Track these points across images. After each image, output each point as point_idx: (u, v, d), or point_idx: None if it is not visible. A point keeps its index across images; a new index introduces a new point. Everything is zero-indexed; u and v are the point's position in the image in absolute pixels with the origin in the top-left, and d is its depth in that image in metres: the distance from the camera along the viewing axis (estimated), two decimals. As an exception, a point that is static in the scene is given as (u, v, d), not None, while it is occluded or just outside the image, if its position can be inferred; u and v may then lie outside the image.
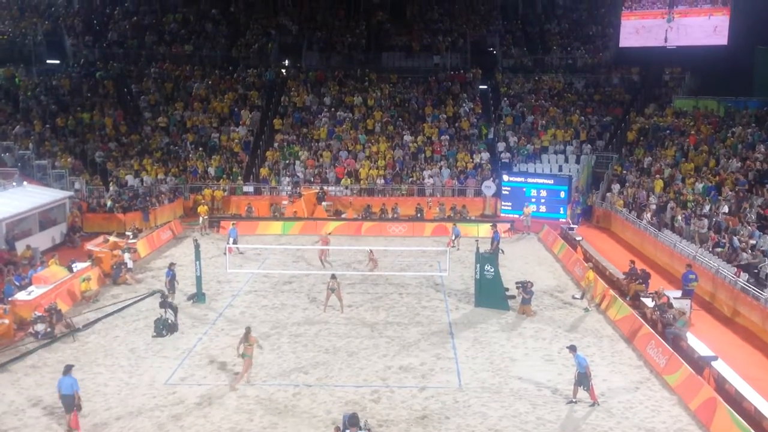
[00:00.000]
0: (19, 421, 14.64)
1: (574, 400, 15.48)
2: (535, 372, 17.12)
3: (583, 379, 15.37)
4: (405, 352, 18.48)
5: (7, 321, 19.63)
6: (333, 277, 21.84)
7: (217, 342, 19.20)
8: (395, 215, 35.68)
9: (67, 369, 14.68)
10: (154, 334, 19.74)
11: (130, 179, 38.29)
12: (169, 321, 20.07)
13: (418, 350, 18.61)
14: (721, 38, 40.71)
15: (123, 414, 14.90)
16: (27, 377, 16.98)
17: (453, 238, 30.58)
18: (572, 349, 15.98)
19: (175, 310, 20.77)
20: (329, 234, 30.18)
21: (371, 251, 26.72)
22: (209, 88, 46.38)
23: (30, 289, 22.09)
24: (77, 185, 36.46)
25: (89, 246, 27.37)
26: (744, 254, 22.86)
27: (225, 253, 25.69)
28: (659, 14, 42.90)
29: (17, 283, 22.65)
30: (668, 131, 38.52)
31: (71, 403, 14.22)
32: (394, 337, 19.64)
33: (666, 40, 42.41)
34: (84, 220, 33.07)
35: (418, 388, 16.17)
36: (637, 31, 43.61)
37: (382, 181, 39.36)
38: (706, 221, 26.81)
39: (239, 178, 39.79)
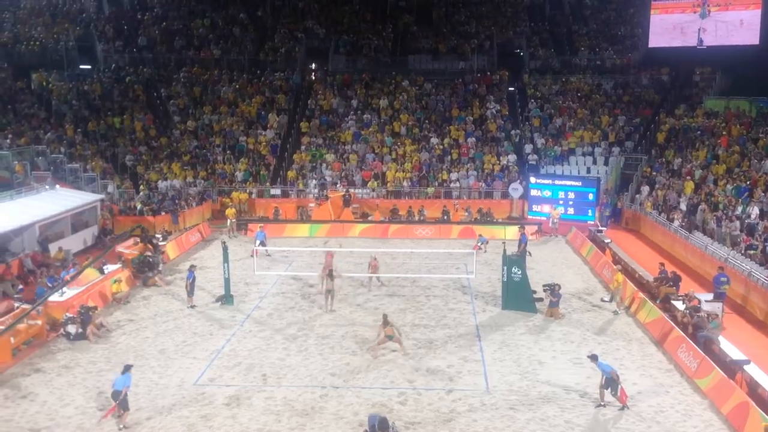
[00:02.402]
0: (51, 420, 14.87)
1: (602, 403, 15.34)
2: (563, 375, 16.98)
3: (610, 383, 15.21)
4: (432, 354, 18.44)
5: (39, 322, 19.96)
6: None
7: (245, 344, 19.34)
8: (422, 218, 35.65)
9: (126, 368, 14.99)
10: (134, 270, 20.46)
11: (160, 182, 38.77)
12: (150, 259, 20.28)
13: (445, 352, 18.57)
14: (753, 37, 40.11)
15: (153, 414, 15.08)
16: (59, 377, 17.25)
17: (479, 243, 30.36)
18: (593, 358, 15.78)
19: (156, 247, 21.15)
20: (332, 248, 28.69)
21: (374, 258, 25.17)
22: (237, 92, 46.82)
23: (62, 290, 22.44)
24: (109, 188, 37.02)
25: (120, 248, 27.74)
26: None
27: (252, 256, 25.84)
28: (689, 6, 42.16)
29: (50, 285, 23.04)
30: (699, 132, 38.00)
31: (115, 396, 14.55)
32: (421, 339, 19.61)
33: (700, 42, 41.73)
34: (115, 223, 33.55)
35: (445, 391, 16.14)
36: (667, 31, 43.04)
37: (409, 183, 39.35)
38: (738, 223, 26.41)
39: (267, 181, 40.07)
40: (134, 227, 24.38)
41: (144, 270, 21.91)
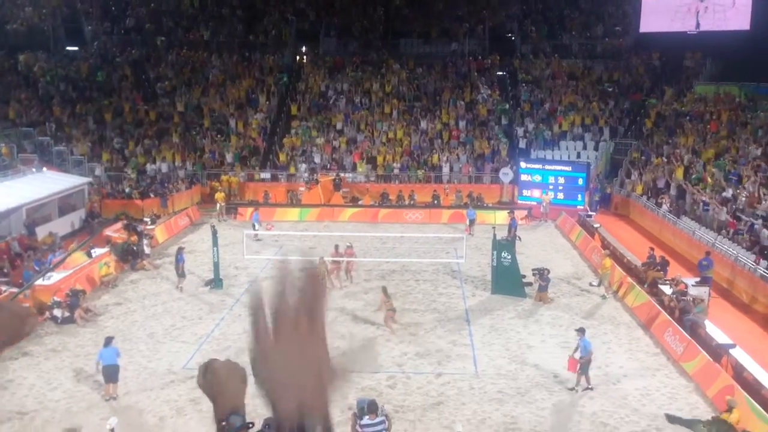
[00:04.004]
0: (39, 404, 14.85)
1: (588, 386, 15.42)
2: (552, 359, 17.07)
3: (585, 364, 15.28)
4: (421, 338, 18.51)
5: (27, 305, 19.86)
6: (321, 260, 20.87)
7: (235, 328, 19.32)
8: (412, 202, 35.63)
9: (108, 341, 15.11)
10: (116, 257, 20.56)
11: (148, 165, 38.53)
12: (134, 246, 20.38)
13: (435, 336, 18.64)
14: (744, 22, 40.10)
15: (142, 398, 15.07)
16: (47, 361, 17.21)
17: (468, 223, 30.35)
18: (581, 331, 15.84)
19: (140, 235, 21.22)
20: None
21: (349, 245, 24.22)
22: (226, 74, 46.46)
23: (50, 274, 22.35)
24: (96, 171, 36.76)
25: (108, 231, 27.60)
26: (765, 231, 22.65)
27: (256, 239, 26.40)
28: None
29: (37, 268, 22.92)
30: (688, 117, 38.08)
31: (112, 372, 14.58)
32: (410, 323, 19.67)
33: (698, 25, 41.47)
34: (103, 206, 33.33)
35: (434, 375, 16.22)
36: (664, 13, 42.70)
37: (399, 167, 39.28)
38: (725, 208, 26.54)
39: (256, 166, 39.87)
40: (118, 214, 24.34)
41: (127, 258, 22.02)
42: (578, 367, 15.41)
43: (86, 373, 16.33)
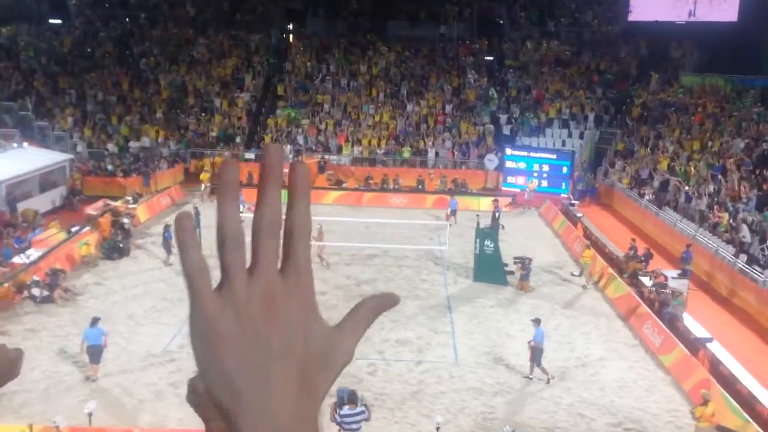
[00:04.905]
0: (17, 385, 14.71)
1: (541, 377, 15.52)
2: (531, 348, 17.17)
3: (538, 354, 15.40)
4: (402, 325, 18.55)
5: (6, 284, 19.68)
6: None
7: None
8: (396, 186, 35.58)
9: (95, 321, 15.15)
10: (102, 256, 20.45)
11: (131, 143, 38.14)
12: (120, 244, 20.38)
13: (416, 324, 18.69)
14: (732, 14, 40.18)
15: (121, 380, 15.02)
16: (26, 341, 17.05)
17: (449, 211, 30.19)
18: (537, 322, 15.89)
19: (127, 233, 21.10)
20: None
21: (319, 226, 23.69)
22: (212, 52, 45.94)
23: (29, 252, 22.13)
24: (78, 148, 36.33)
25: (89, 210, 27.34)
26: (743, 226, 22.87)
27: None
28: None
29: (17, 246, 22.69)
30: (674, 108, 38.23)
31: (95, 352, 14.56)
32: (391, 310, 19.59)
33: (692, 13, 41.35)
34: (84, 183, 32.99)
35: (414, 362, 16.28)
36: (654, 1, 42.53)
37: (384, 150, 39.16)
38: (706, 199, 26.75)
39: (241, 146, 39.57)
40: (105, 210, 24.27)
41: (113, 256, 22.19)
42: (530, 356, 15.57)
43: (65, 354, 16.25)
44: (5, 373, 1.11)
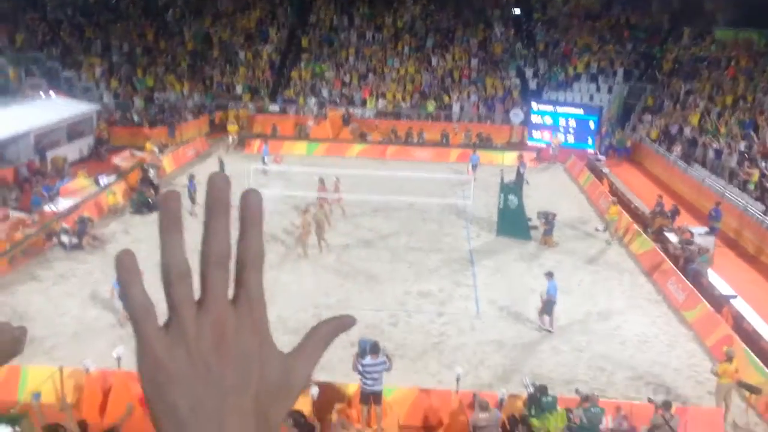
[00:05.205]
0: (47, 329, 15.12)
1: (549, 328, 15.58)
2: (553, 302, 17.18)
3: (550, 307, 15.41)
4: (425, 278, 18.64)
5: (35, 231, 20.04)
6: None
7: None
8: (420, 140, 35.38)
9: None
10: (132, 210, 20.72)
11: (156, 94, 38.25)
12: (149, 199, 20.62)
13: (438, 276, 18.77)
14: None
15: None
16: (56, 286, 17.47)
17: (470, 166, 29.77)
18: (550, 275, 15.84)
19: (156, 189, 21.28)
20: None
21: (337, 179, 24.12)
22: (236, 4, 45.56)
23: (58, 200, 22.49)
24: (105, 98, 36.52)
25: (116, 160, 27.61)
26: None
27: (264, 167, 28.28)
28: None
29: (45, 194, 23.04)
30: (706, 63, 37.32)
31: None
32: (414, 262, 19.78)
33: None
34: (111, 133, 33.26)
35: (436, 314, 16.40)
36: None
37: (408, 104, 38.86)
38: (736, 156, 26.28)
39: (266, 97, 39.48)
40: (135, 164, 24.48)
41: (143, 210, 22.47)
42: (541, 307, 15.63)
43: (94, 300, 16.60)
44: (9, 351, 1.15)
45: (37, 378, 12.40)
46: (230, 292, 0.77)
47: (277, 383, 0.78)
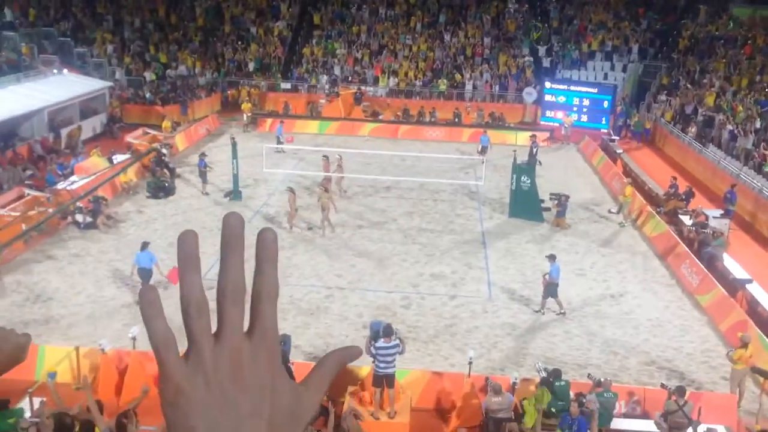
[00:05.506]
0: (63, 308, 15.28)
1: (561, 311, 15.58)
2: (566, 286, 16.98)
3: (553, 289, 15.41)
4: (437, 260, 18.64)
5: (50, 210, 20.15)
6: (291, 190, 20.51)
7: (253, 240, 19.36)
8: (433, 119, 35.18)
9: (145, 245, 15.60)
10: (149, 195, 20.80)
11: (168, 71, 38.15)
12: (165, 183, 20.65)
13: (450, 258, 18.76)
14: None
15: (163, 306, 15.42)
16: (71, 265, 17.60)
17: (480, 148, 29.39)
18: (552, 258, 15.79)
19: (172, 172, 21.28)
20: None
21: (339, 156, 23.93)
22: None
23: (72, 178, 22.58)
24: (117, 75, 36.48)
25: (129, 138, 27.65)
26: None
27: (281, 145, 28.26)
28: None
29: (60, 172, 23.13)
30: (722, 41, 36.80)
31: (145, 275, 15.08)
32: (426, 244, 19.77)
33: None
34: (123, 111, 33.27)
35: (448, 297, 16.42)
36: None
37: (421, 82, 38.59)
38: (752, 137, 25.99)
39: (278, 74, 39.28)
40: (150, 149, 24.45)
41: (159, 195, 22.41)
42: (544, 290, 15.62)
43: (109, 279, 16.74)
44: (13, 357, 1.15)
45: (53, 357, 12.55)
46: (245, 324, 0.84)
47: (289, 410, 0.83)
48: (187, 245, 0.81)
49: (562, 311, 15.58)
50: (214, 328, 0.81)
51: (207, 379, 0.79)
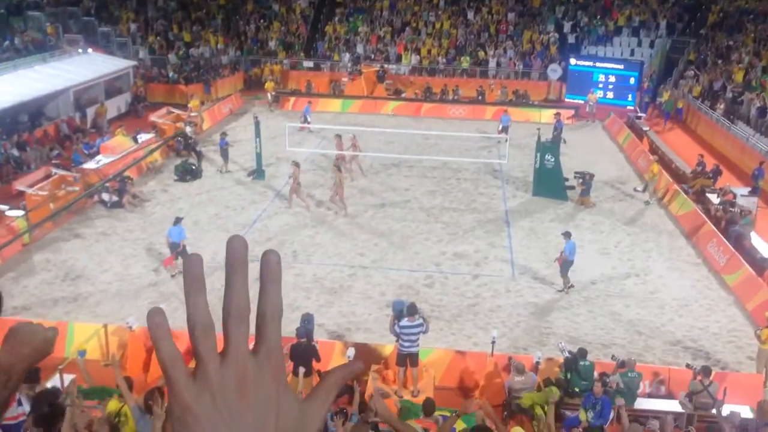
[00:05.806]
0: (91, 286, 15.52)
1: (566, 290, 15.50)
2: (590, 265, 17.02)
3: (567, 267, 15.33)
4: (460, 238, 18.61)
5: (77, 188, 20.41)
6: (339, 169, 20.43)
7: (276, 220, 19.64)
8: (456, 97, 34.92)
9: (177, 220, 16.08)
10: (176, 178, 21.01)
11: (191, 50, 38.23)
12: (193, 166, 20.83)
13: (473, 237, 18.71)
14: None
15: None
16: (98, 244, 17.84)
17: (500, 127, 28.45)
18: (567, 235, 15.66)
19: (199, 155, 21.43)
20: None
21: (353, 136, 23.90)
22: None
23: (98, 158, 22.81)
24: (141, 54, 36.64)
25: (153, 117, 27.82)
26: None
27: (301, 131, 27.83)
28: None
29: (86, 152, 23.37)
30: (752, 16, 35.98)
31: (175, 248, 15.62)
32: (449, 222, 19.73)
33: None
34: (147, 90, 33.45)
35: (471, 276, 16.40)
36: None
37: (444, 60, 38.29)
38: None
39: (300, 53, 39.20)
40: (175, 134, 24.64)
41: (186, 178, 22.53)
42: (560, 269, 15.56)
43: (135, 258, 16.96)
44: (42, 350, 1.18)
45: (82, 334, 12.77)
46: (251, 343, 0.86)
47: (294, 427, 0.86)
48: (193, 268, 0.84)
49: (565, 290, 15.49)
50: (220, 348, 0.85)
51: (213, 397, 0.82)
